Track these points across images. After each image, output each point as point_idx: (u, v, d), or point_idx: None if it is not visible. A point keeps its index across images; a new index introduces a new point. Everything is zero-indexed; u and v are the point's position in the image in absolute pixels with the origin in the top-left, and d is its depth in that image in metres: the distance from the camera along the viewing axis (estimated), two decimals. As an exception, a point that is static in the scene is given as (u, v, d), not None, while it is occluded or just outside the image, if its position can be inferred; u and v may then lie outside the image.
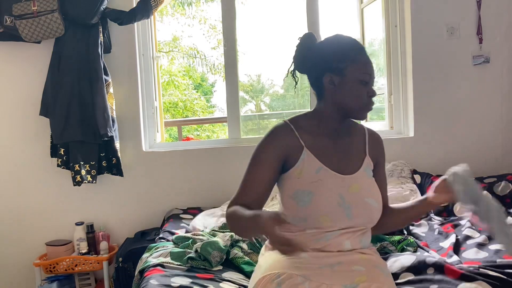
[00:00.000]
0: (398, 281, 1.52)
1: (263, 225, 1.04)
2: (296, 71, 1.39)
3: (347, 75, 1.27)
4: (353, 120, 1.39)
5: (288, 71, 1.39)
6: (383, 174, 1.42)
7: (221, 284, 1.54)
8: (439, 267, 1.49)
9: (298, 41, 1.36)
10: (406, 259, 1.62)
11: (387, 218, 1.38)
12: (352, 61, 1.27)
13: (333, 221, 1.24)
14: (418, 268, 1.55)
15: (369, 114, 3.18)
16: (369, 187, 1.32)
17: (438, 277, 1.47)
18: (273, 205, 2.28)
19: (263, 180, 1.28)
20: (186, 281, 1.54)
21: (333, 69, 1.28)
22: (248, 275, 1.69)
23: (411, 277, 1.52)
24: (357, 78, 1.27)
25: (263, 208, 1.37)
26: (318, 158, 1.29)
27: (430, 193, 1.31)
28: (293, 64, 1.37)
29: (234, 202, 1.28)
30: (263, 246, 1.39)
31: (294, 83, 1.40)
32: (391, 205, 1.43)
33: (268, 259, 1.28)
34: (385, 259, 1.70)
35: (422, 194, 2.40)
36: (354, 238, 1.27)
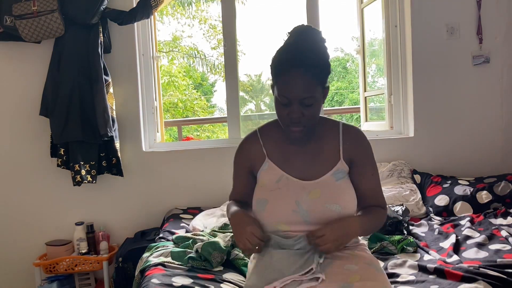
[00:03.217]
0: (398, 280, 1.52)
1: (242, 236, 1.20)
2: None
3: (276, 89, 1.24)
4: (329, 120, 1.37)
5: None
6: (366, 173, 1.34)
7: (222, 285, 1.54)
8: (440, 273, 1.49)
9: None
10: (408, 263, 1.62)
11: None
12: (278, 77, 1.22)
13: (290, 226, 1.26)
14: (420, 271, 1.56)
15: (369, 114, 3.20)
16: (334, 192, 1.27)
17: (438, 279, 1.47)
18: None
19: (243, 183, 1.40)
20: (187, 281, 1.54)
21: (273, 81, 1.26)
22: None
23: (411, 277, 1.52)
24: (277, 97, 1.23)
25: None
26: (281, 166, 1.32)
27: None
28: None
29: (231, 197, 1.45)
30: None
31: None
32: (367, 209, 1.33)
33: (255, 268, 1.30)
34: (385, 260, 1.70)
35: (422, 194, 2.41)
36: None
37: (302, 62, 1.18)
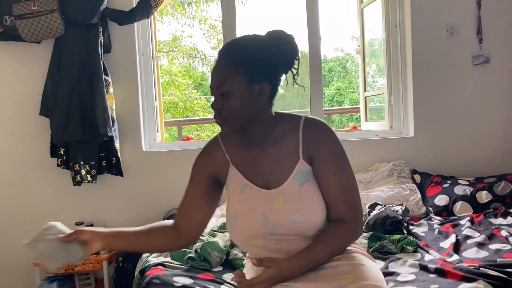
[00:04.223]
0: (399, 279, 1.52)
1: None
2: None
3: None
4: (290, 117, 1.25)
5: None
6: (328, 173, 1.19)
7: (222, 286, 1.54)
8: (441, 272, 1.49)
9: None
10: (408, 263, 1.62)
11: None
12: None
13: (263, 241, 1.19)
14: (420, 270, 1.56)
15: (369, 114, 3.20)
16: (297, 199, 1.17)
17: (439, 278, 1.47)
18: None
19: (192, 196, 1.30)
20: (188, 281, 1.54)
21: None
22: (247, 276, 1.69)
23: (412, 276, 1.52)
24: None
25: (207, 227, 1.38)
26: (245, 174, 1.23)
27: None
28: None
29: (177, 210, 1.33)
30: (246, 258, 1.38)
31: (293, 83, 1.28)
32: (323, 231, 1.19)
33: (252, 272, 1.25)
34: (385, 259, 1.70)
35: (422, 194, 2.41)
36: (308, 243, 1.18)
37: (224, 50, 1.18)
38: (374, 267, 1.21)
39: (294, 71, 1.24)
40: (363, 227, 2.03)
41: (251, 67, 1.14)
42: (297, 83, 1.25)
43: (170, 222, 1.34)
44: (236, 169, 1.25)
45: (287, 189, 1.19)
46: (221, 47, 1.20)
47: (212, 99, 1.19)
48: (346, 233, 1.19)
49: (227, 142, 1.28)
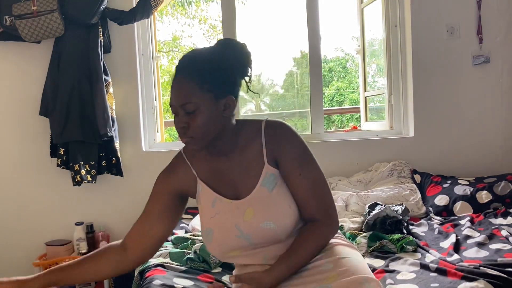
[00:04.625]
0: (398, 277, 1.52)
1: None
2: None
3: None
4: (251, 123, 1.23)
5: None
6: (292, 174, 1.17)
7: (223, 288, 1.54)
8: (441, 271, 1.49)
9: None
10: (408, 261, 1.62)
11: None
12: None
13: (241, 252, 1.19)
14: (420, 268, 1.55)
15: (369, 114, 3.20)
16: (267, 206, 1.16)
17: (439, 277, 1.47)
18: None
19: (153, 212, 1.25)
20: (188, 283, 1.53)
21: None
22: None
23: (412, 275, 1.52)
24: None
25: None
26: (213, 187, 1.21)
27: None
28: None
29: (129, 230, 1.28)
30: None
31: (247, 90, 1.27)
32: (306, 228, 1.18)
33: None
34: (385, 258, 1.70)
35: (422, 194, 2.41)
36: (284, 248, 1.17)
37: (184, 67, 1.13)
38: (355, 256, 1.17)
39: (247, 79, 1.22)
40: (364, 225, 2.03)
41: (215, 82, 1.11)
42: (251, 91, 1.23)
43: (115, 243, 1.29)
44: (204, 183, 1.22)
45: (256, 197, 1.17)
46: (177, 63, 1.14)
47: (173, 117, 1.14)
48: (319, 233, 1.17)
49: (192, 157, 1.25)
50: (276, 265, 1.13)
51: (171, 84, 1.13)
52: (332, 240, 1.22)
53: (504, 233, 1.84)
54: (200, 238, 1.91)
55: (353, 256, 1.16)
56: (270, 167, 1.18)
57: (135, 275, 1.77)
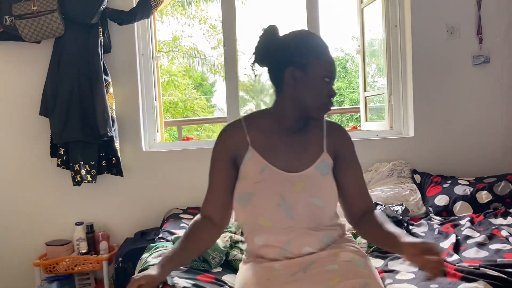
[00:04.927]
0: (398, 277, 1.52)
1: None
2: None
3: (310, 70, 1.22)
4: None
5: (249, 64, 1.32)
6: (352, 169, 1.31)
7: (223, 288, 1.54)
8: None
9: (262, 33, 1.30)
10: (407, 262, 1.62)
11: (365, 228, 1.29)
12: (316, 57, 1.23)
13: (273, 222, 1.22)
14: (419, 269, 1.55)
15: (369, 114, 3.20)
16: (318, 185, 1.24)
17: (438, 279, 1.47)
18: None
19: (220, 183, 1.31)
20: (188, 282, 1.53)
21: (296, 63, 1.23)
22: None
23: (411, 276, 1.52)
24: (320, 75, 1.22)
25: (232, 218, 1.38)
26: (264, 156, 1.26)
27: (406, 251, 1.08)
28: (253, 56, 1.31)
29: (203, 209, 1.34)
30: (241, 262, 1.38)
31: (255, 75, 1.37)
32: (375, 218, 1.27)
33: (241, 277, 1.28)
34: (385, 258, 1.70)
35: (422, 194, 2.41)
36: (312, 241, 1.23)
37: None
38: (363, 263, 1.21)
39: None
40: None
41: None
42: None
43: (198, 219, 1.34)
44: (256, 151, 1.27)
45: (309, 175, 1.25)
46: (327, 44, 1.27)
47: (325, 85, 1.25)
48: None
49: (251, 126, 1.30)
50: (397, 240, 1.12)
51: (327, 56, 1.24)
52: (349, 245, 1.26)
53: (504, 233, 1.84)
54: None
55: (359, 261, 1.21)
56: (328, 156, 1.29)
57: (135, 274, 1.77)
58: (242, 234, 1.95)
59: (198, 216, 1.35)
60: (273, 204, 1.21)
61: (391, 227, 1.21)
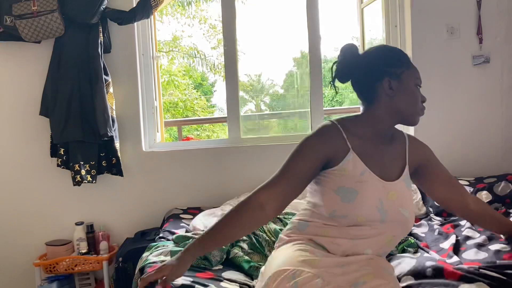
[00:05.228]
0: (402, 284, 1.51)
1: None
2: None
3: (404, 79, 1.34)
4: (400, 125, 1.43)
5: (330, 82, 1.45)
6: (440, 171, 1.47)
7: (222, 283, 1.54)
8: (439, 271, 1.49)
9: (342, 52, 1.40)
10: (407, 263, 1.62)
11: (478, 221, 1.54)
12: (407, 67, 1.36)
13: (369, 223, 1.28)
14: (418, 271, 1.55)
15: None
16: (406, 197, 1.35)
17: (438, 280, 1.47)
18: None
19: (301, 173, 1.31)
20: (187, 279, 1.54)
21: (392, 74, 1.34)
22: (248, 273, 1.69)
23: (411, 281, 1.52)
24: (413, 82, 1.36)
25: (296, 200, 1.40)
26: (364, 161, 1.33)
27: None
28: (336, 74, 1.42)
29: (263, 188, 1.30)
30: (277, 240, 1.41)
31: (336, 92, 1.49)
32: (484, 206, 1.52)
33: (282, 254, 1.31)
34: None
35: (422, 194, 2.40)
36: (376, 245, 1.31)
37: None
38: (393, 274, 1.34)
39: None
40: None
41: None
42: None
43: (248, 202, 1.30)
44: (357, 155, 1.32)
45: (400, 186, 1.35)
46: (405, 54, 1.40)
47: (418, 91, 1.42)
48: None
49: (347, 132, 1.35)
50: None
51: (413, 66, 1.39)
52: (378, 259, 1.33)
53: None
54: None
55: (391, 272, 1.33)
56: (408, 169, 1.40)
57: (135, 273, 1.78)
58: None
59: (245, 200, 1.31)
60: (374, 206, 1.28)
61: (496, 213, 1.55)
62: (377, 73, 1.34)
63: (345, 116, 1.41)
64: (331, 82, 1.43)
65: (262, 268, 1.37)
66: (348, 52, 1.40)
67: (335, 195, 1.29)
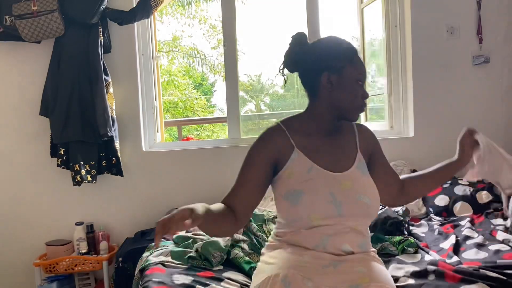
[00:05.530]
0: (398, 284, 1.51)
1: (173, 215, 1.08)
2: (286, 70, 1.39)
3: (345, 74, 1.28)
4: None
5: (279, 70, 1.39)
6: (383, 158, 1.43)
7: (222, 283, 1.54)
8: (440, 274, 1.49)
9: (291, 40, 1.36)
10: (407, 266, 1.62)
11: (410, 189, 1.44)
12: (349, 61, 1.29)
13: (324, 219, 1.25)
14: (419, 274, 1.55)
15: (369, 114, 3.20)
16: (363, 184, 1.31)
17: (437, 281, 1.47)
18: (272, 205, 2.28)
19: (253, 180, 1.30)
20: (187, 279, 1.54)
21: (331, 68, 1.29)
22: (248, 274, 1.69)
23: (411, 281, 1.52)
24: (354, 78, 1.29)
25: (256, 209, 1.39)
26: (310, 157, 1.31)
27: (457, 154, 1.46)
28: (283, 62, 1.37)
29: (223, 201, 1.32)
30: (265, 246, 1.40)
31: (285, 81, 1.41)
32: (411, 175, 1.47)
33: (270, 259, 1.29)
34: (386, 262, 1.70)
35: (422, 194, 2.40)
36: (353, 241, 1.27)
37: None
38: (389, 275, 1.30)
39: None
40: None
41: None
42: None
43: (223, 206, 1.31)
44: (301, 152, 1.31)
45: (354, 175, 1.31)
46: (351, 46, 1.32)
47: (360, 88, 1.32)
48: None
49: (291, 130, 1.34)
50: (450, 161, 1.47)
51: (359, 59, 1.31)
52: (372, 258, 1.33)
53: (499, 237, 1.84)
54: (202, 237, 1.92)
55: (384, 270, 1.30)
56: (362, 156, 1.36)
57: (135, 273, 1.78)
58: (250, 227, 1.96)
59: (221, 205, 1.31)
60: (325, 201, 1.25)
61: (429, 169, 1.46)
62: (318, 66, 1.30)
63: (290, 116, 1.40)
64: (281, 70, 1.38)
65: (253, 276, 1.35)
66: (297, 41, 1.35)
67: (284, 200, 1.28)
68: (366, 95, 1.31)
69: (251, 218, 2.02)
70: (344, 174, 1.30)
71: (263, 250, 1.40)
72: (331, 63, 1.29)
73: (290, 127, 1.35)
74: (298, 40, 1.35)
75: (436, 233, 1.99)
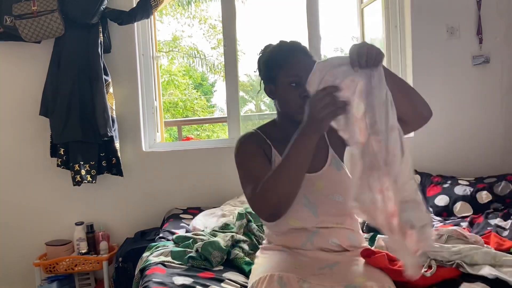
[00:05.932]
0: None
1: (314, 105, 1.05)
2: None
3: (278, 82, 1.29)
4: None
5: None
6: None
7: (222, 284, 1.54)
8: (440, 275, 1.49)
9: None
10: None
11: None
12: (279, 67, 1.28)
13: (301, 222, 1.27)
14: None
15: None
16: (337, 181, 1.31)
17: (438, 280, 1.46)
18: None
19: (264, 170, 1.26)
20: (187, 280, 1.54)
21: (268, 80, 1.32)
22: (248, 275, 1.69)
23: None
24: (286, 82, 1.28)
25: None
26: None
27: None
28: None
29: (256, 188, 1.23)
30: (259, 249, 1.41)
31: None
32: None
33: (265, 261, 1.29)
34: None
35: (422, 194, 2.40)
36: (340, 235, 1.28)
37: (302, 46, 1.31)
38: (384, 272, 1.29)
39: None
40: (365, 226, 2.03)
41: None
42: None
43: None
44: (278, 154, 1.32)
45: (327, 174, 1.32)
46: (296, 44, 1.31)
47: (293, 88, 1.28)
48: None
49: (266, 135, 1.37)
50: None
51: (290, 59, 1.26)
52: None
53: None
54: (202, 237, 1.92)
55: (379, 270, 1.28)
56: (333, 152, 1.35)
57: (135, 273, 1.78)
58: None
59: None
60: (299, 204, 1.25)
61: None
62: (263, 79, 1.36)
63: (265, 123, 1.43)
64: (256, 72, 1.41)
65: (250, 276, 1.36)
66: (266, 48, 1.38)
67: None
68: (305, 94, 1.19)
69: (251, 218, 2.02)
70: (318, 174, 1.31)
71: (257, 253, 1.41)
72: (267, 74, 1.33)
73: (264, 132, 1.38)
74: (265, 49, 1.38)
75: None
